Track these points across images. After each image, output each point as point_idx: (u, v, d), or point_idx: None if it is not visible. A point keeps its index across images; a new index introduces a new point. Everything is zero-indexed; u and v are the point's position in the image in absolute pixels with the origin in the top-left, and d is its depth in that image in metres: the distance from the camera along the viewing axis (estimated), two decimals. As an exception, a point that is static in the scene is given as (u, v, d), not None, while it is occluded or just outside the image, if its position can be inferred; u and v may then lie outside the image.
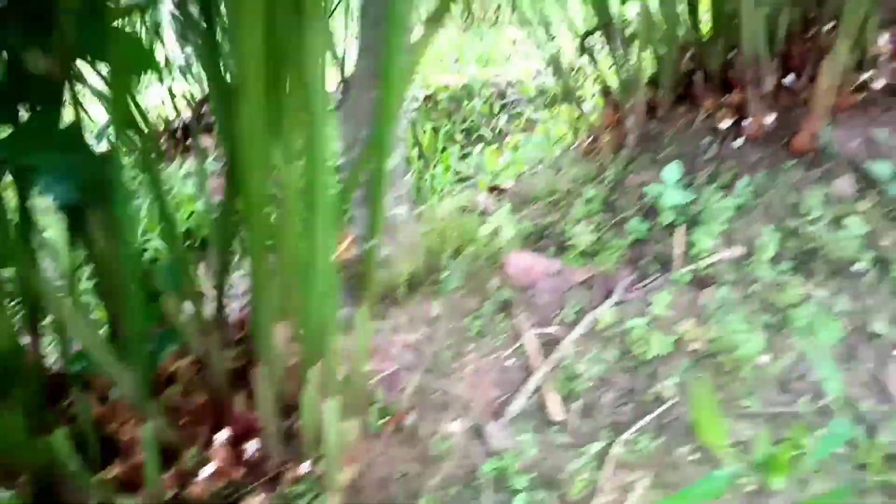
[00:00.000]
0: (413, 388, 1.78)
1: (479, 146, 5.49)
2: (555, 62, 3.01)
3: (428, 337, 2.00)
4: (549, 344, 1.96)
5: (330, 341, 1.11)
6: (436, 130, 5.15)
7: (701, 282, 2.11)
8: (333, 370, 1.15)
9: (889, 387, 1.71)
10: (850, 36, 2.20)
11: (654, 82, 2.88)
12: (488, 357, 1.93)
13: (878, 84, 2.61)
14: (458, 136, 5.52)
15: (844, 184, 2.26)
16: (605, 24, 2.93)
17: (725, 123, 2.65)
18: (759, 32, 2.45)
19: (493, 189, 3.35)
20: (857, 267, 2.00)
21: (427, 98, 5.77)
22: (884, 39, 2.73)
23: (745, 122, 2.59)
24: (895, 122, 2.45)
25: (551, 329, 2.00)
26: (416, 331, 2.02)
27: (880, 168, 2.20)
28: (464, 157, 4.69)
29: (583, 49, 3.10)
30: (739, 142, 2.57)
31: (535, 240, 2.54)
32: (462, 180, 4.46)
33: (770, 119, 2.56)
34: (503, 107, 5.59)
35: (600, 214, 2.49)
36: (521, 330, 2.00)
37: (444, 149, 4.82)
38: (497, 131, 5.40)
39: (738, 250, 2.14)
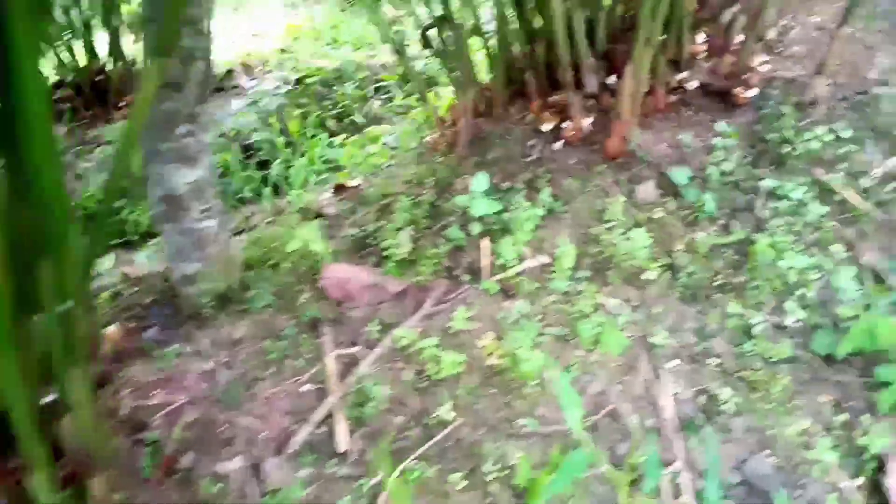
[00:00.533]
0: (195, 423, 1.72)
1: (351, 133, 5.40)
2: (399, 51, 2.93)
3: (226, 363, 1.93)
4: (350, 365, 1.92)
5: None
6: (305, 116, 5.01)
7: (505, 293, 2.12)
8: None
9: (659, 400, 1.76)
10: (648, 38, 2.21)
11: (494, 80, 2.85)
12: (285, 383, 1.88)
13: (692, 84, 2.66)
14: (331, 123, 5.39)
15: (648, 189, 2.30)
16: (441, 17, 2.87)
17: (548, 126, 2.65)
18: (577, 31, 2.44)
19: (339, 188, 3.27)
20: (647, 275, 2.04)
21: (298, 81, 5.60)
22: (702, 38, 2.79)
23: (564, 125, 2.59)
24: (703, 124, 2.50)
25: (354, 349, 1.96)
26: (216, 356, 1.95)
27: (679, 174, 2.25)
28: (332, 145, 4.57)
29: (425, 42, 3.03)
30: (559, 145, 2.58)
31: (359, 248, 2.49)
32: (333, 169, 4.36)
33: (588, 122, 2.57)
34: (377, 90, 5.47)
35: (425, 220, 2.45)
36: (324, 351, 1.96)
37: (313, 136, 4.69)
38: (371, 116, 5.28)
39: (541, 259, 2.15)
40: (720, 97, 2.66)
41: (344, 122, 5.47)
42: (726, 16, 2.76)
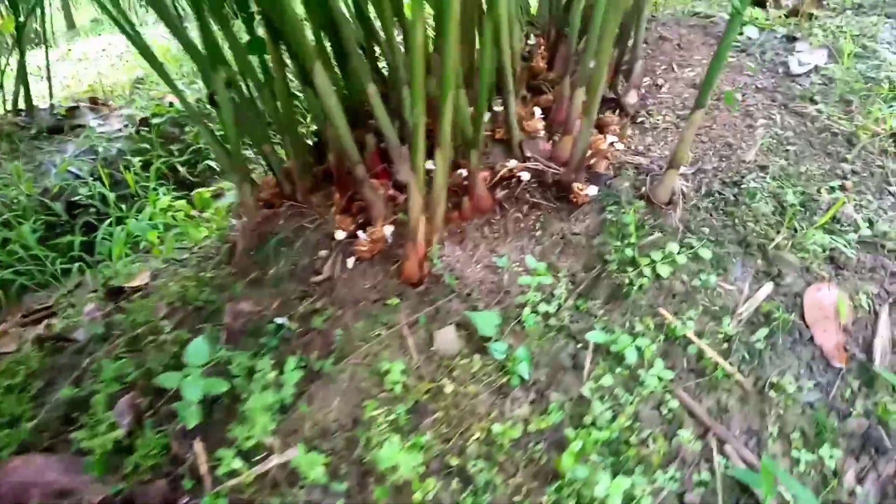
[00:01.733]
0: None
1: (205, 182, 4.64)
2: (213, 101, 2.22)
3: None
4: None
5: None
6: (147, 165, 4.21)
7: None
8: None
9: None
10: (455, 110, 1.56)
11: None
12: None
13: (526, 175, 2.01)
14: (183, 170, 4.62)
15: (447, 338, 1.65)
16: (212, 93, 2.17)
17: (342, 233, 1.97)
18: (372, 98, 1.78)
19: (111, 293, 2.54)
20: (417, 497, 1.38)
21: (144, 122, 4.78)
22: (540, 110, 2.14)
23: (361, 234, 1.91)
24: (531, 233, 1.85)
25: None
26: None
27: (485, 320, 1.60)
28: (178, 198, 3.78)
29: (213, 104, 2.34)
30: (351, 262, 1.90)
31: (68, 419, 1.77)
32: (176, 225, 3.60)
33: (390, 230, 1.90)
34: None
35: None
36: None
37: (155, 188, 3.90)
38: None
39: (291, 454, 1.47)
40: (560, 190, 2.02)
41: (198, 169, 4.70)
42: (566, 83, 2.12)
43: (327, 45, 2.01)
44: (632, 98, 2.41)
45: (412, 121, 1.55)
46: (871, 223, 1.84)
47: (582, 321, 1.68)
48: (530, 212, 1.99)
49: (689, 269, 1.72)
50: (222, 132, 2.27)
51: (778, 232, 1.81)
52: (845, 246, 1.79)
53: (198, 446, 1.49)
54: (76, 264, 3.39)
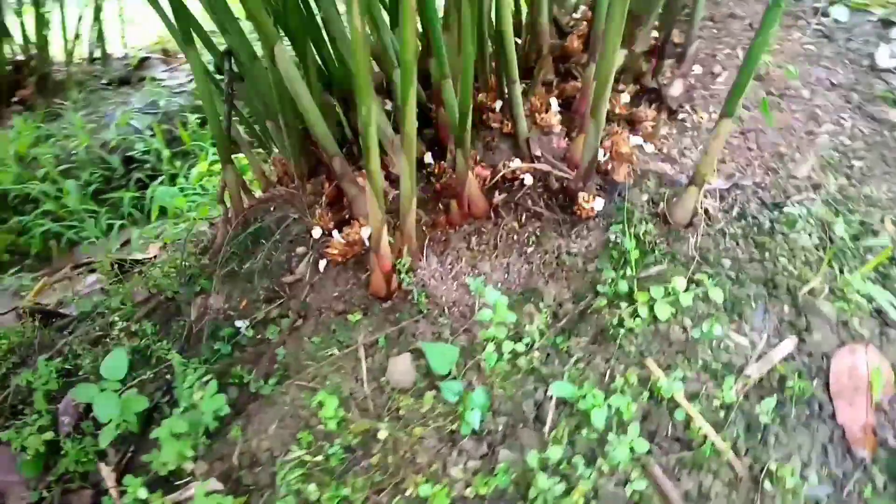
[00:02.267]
0: None
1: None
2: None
3: None
4: None
5: None
6: (205, 122, 4.14)
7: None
8: None
9: None
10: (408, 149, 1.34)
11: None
12: None
13: (529, 179, 1.75)
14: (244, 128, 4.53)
15: (402, 367, 1.44)
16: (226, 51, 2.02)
17: (318, 231, 1.78)
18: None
19: (115, 265, 2.46)
20: None
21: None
22: (557, 102, 1.86)
23: (336, 234, 1.71)
24: (523, 249, 1.60)
25: None
26: None
27: (440, 356, 1.38)
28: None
29: (219, 72, 2.20)
30: (323, 265, 1.71)
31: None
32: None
33: (368, 232, 1.70)
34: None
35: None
36: None
37: (205, 148, 3.84)
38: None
39: (216, 485, 1.32)
40: (566, 198, 1.74)
41: (258, 129, 4.60)
42: (591, 69, 1.82)
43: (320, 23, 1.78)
44: (676, 89, 2.06)
45: (362, 122, 1.31)
46: (939, 272, 1.48)
47: (557, 362, 1.42)
48: (528, 221, 1.72)
49: (694, 313, 1.42)
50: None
51: (816, 273, 1.47)
52: (900, 298, 1.44)
53: (105, 471, 1.35)
54: (119, 222, 3.36)
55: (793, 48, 2.27)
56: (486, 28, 1.77)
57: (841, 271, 1.51)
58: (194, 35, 1.72)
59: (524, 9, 2.15)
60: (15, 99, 4.79)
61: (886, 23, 2.37)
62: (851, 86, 2.07)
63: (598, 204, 1.66)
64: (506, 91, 1.74)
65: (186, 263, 1.93)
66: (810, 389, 1.32)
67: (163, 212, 3.28)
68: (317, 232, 1.79)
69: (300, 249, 1.84)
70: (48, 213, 3.33)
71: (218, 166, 3.33)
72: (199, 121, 4.24)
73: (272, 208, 2.08)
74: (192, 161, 3.80)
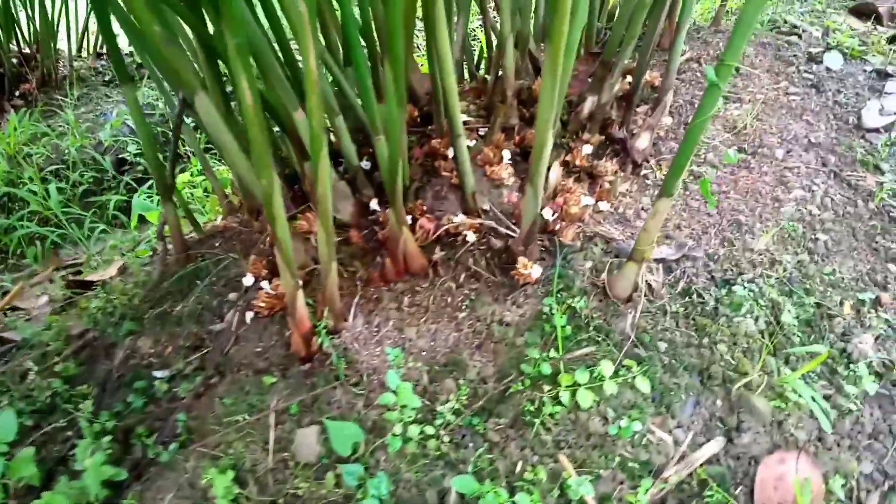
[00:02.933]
0: None
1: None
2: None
3: None
4: None
5: None
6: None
7: None
8: None
9: None
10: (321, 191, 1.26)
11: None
12: None
13: (471, 236, 1.66)
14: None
15: (307, 441, 1.36)
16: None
17: (250, 279, 1.70)
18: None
19: (71, 284, 2.41)
20: None
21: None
22: (507, 156, 1.76)
23: (266, 284, 1.64)
24: (454, 311, 1.51)
25: None
26: None
27: (341, 434, 1.30)
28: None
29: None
30: (251, 316, 1.63)
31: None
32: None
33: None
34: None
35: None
36: None
37: (194, 153, 3.76)
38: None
39: None
40: (509, 260, 1.64)
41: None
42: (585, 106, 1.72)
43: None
44: (642, 142, 1.94)
45: (262, 193, 1.22)
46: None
47: (471, 446, 1.33)
48: (466, 282, 1.62)
49: (618, 402, 1.32)
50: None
51: (755, 364, 1.36)
52: (845, 398, 1.33)
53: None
54: (99, 228, 3.31)
55: (776, 99, 2.14)
56: (436, 75, 1.67)
57: (787, 362, 1.39)
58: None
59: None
60: (17, 93, 4.76)
61: (881, 74, 2.23)
62: (831, 146, 1.94)
63: (537, 271, 1.55)
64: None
65: (117, 302, 1.86)
66: (729, 500, 1.21)
67: (143, 220, 3.22)
68: (248, 279, 1.71)
69: (232, 295, 1.76)
70: (35, 213, 3.29)
71: (202, 177, 3.27)
72: (194, 123, 4.18)
73: (217, 244, 2.01)
74: (183, 165, 3.75)
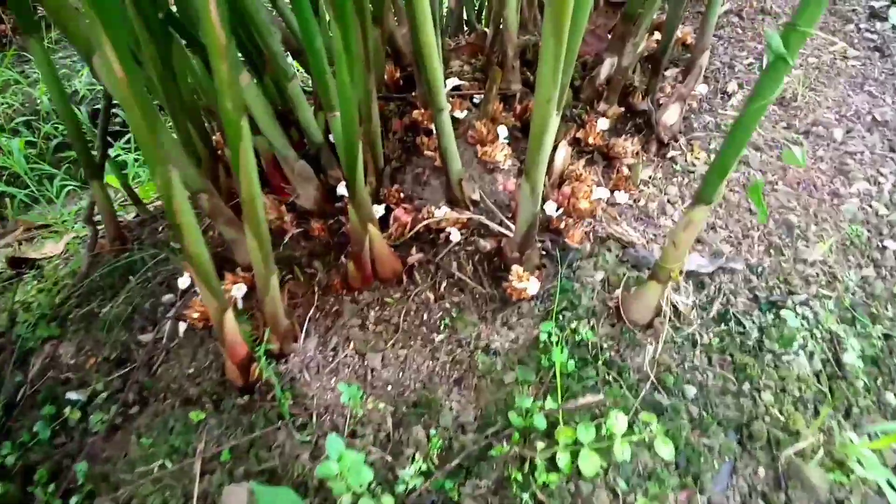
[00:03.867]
0: None
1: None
2: None
3: None
4: None
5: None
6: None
7: None
8: None
9: None
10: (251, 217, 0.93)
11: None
12: None
13: (455, 234, 1.32)
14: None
15: (236, 502, 1.05)
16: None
17: (186, 280, 1.38)
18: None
19: (13, 262, 2.11)
20: None
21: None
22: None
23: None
24: (430, 333, 1.19)
25: None
26: None
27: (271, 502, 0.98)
28: None
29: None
30: (183, 329, 1.32)
31: None
32: None
33: (242, 291, 1.30)
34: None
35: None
36: None
37: None
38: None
39: None
40: (502, 265, 1.31)
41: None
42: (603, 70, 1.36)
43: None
44: (670, 116, 1.57)
45: (162, 194, 0.88)
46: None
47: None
48: (447, 294, 1.29)
49: (632, 470, 1.00)
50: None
51: (811, 422, 1.02)
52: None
53: None
54: (67, 187, 2.98)
55: (832, 64, 1.75)
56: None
57: (847, 415, 1.06)
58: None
59: None
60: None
61: (958, 35, 1.82)
62: (901, 125, 1.57)
63: (534, 286, 1.21)
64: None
65: (42, 297, 1.54)
66: None
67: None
68: (184, 280, 1.39)
69: (168, 298, 1.44)
70: (4, 169, 2.97)
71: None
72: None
73: (160, 229, 1.67)
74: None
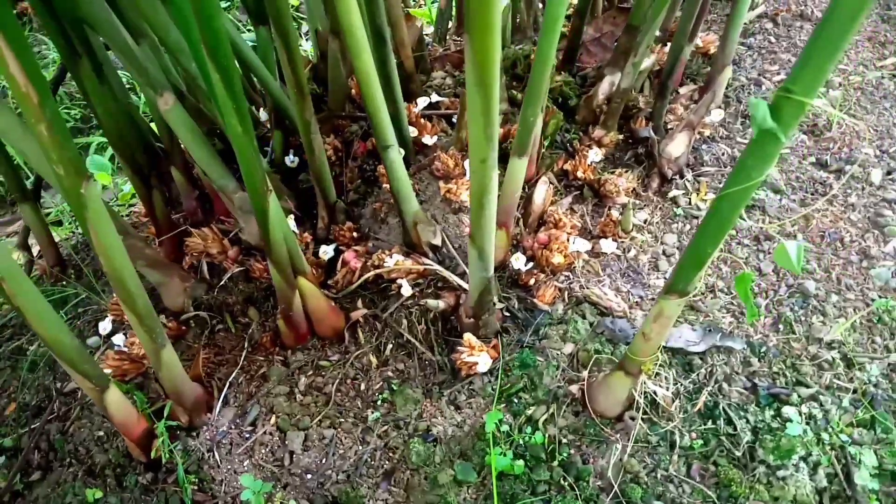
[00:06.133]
0: None
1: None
2: None
3: None
4: None
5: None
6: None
7: None
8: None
9: None
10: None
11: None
12: None
13: (407, 288, 1.14)
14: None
15: None
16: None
17: (108, 325, 1.22)
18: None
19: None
20: None
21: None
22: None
23: (120, 338, 1.16)
24: (364, 408, 1.01)
25: None
26: None
27: None
28: None
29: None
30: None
31: None
32: None
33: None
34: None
35: None
36: None
37: None
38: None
39: None
40: (458, 328, 1.11)
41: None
42: (601, 88, 1.16)
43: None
44: (676, 147, 1.34)
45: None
46: None
47: None
48: (393, 359, 1.10)
49: None
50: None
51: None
52: None
53: None
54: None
55: (878, 85, 1.48)
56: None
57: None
58: None
59: None
60: None
61: None
62: (954, 165, 1.30)
63: (484, 362, 1.02)
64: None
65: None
66: None
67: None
68: (105, 325, 1.22)
69: (93, 340, 1.28)
70: None
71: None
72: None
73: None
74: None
